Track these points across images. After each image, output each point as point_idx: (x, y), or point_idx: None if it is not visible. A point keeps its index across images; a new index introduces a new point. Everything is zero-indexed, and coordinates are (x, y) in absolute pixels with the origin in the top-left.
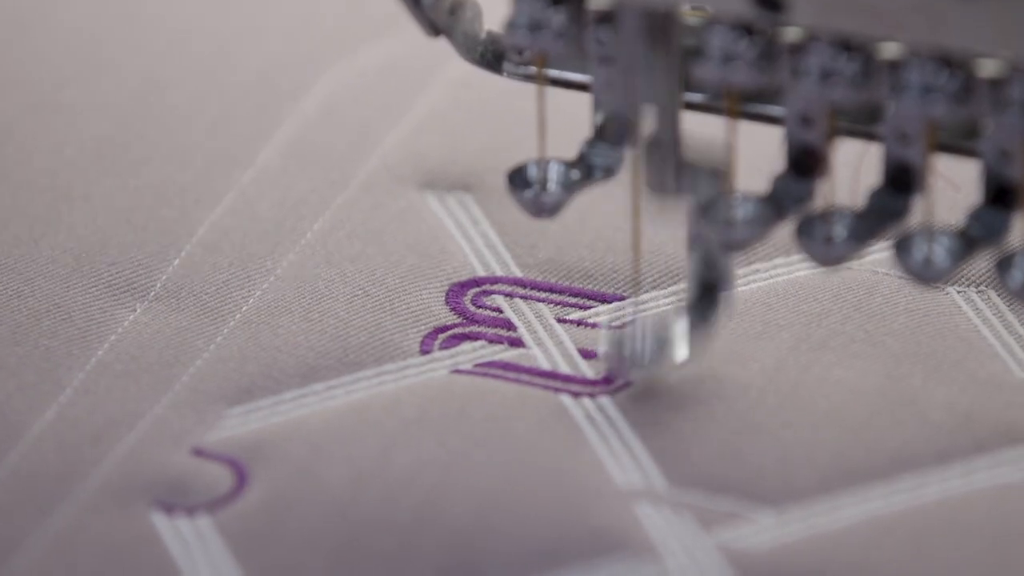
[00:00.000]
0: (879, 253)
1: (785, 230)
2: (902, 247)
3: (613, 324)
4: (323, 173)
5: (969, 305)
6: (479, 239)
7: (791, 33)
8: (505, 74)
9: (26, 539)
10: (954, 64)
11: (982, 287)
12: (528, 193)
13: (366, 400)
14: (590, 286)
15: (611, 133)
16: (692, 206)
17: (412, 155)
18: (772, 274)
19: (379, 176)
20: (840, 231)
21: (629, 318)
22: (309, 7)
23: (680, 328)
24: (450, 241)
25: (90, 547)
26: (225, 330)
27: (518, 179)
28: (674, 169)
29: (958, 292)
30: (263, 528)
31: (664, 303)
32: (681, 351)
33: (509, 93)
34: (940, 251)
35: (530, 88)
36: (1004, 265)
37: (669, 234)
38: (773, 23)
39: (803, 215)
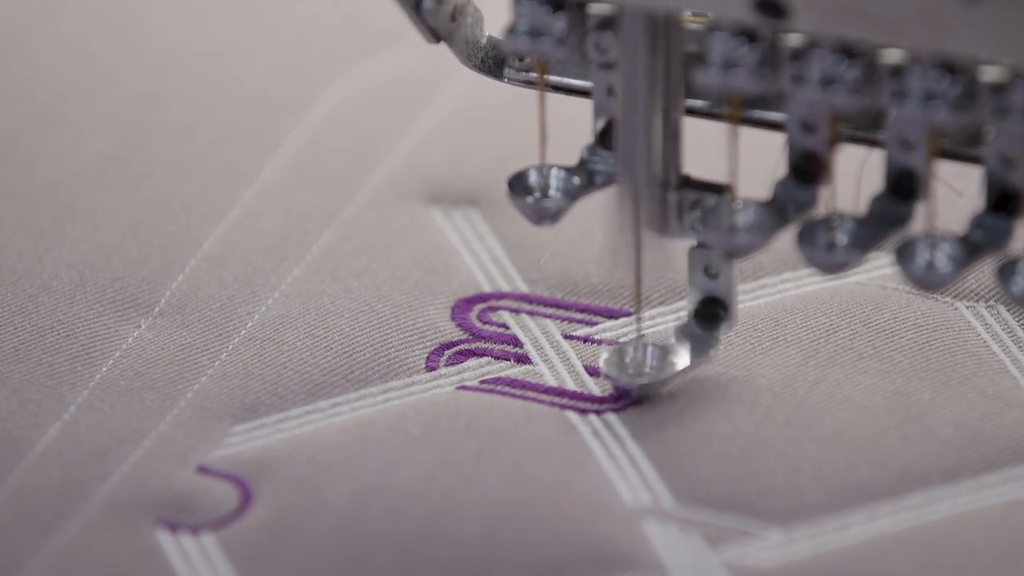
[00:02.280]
0: (888, 268)
1: (792, 244)
2: (904, 254)
3: (614, 339)
4: (328, 187)
5: (979, 320)
6: (485, 254)
7: (793, 39)
8: (506, 80)
9: (30, 557)
10: (956, 70)
11: (991, 302)
12: (529, 199)
13: (371, 417)
14: (596, 302)
15: (612, 139)
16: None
17: (418, 169)
18: (780, 289)
19: (384, 191)
20: (842, 238)
21: (631, 332)
22: (312, 20)
23: (682, 335)
24: (456, 256)
25: (94, 565)
26: (230, 346)
27: (519, 185)
28: (675, 210)
29: (967, 307)
30: (268, 545)
31: (670, 319)
32: (682, 359)
33: (514, 106)
34: (942, 258)
35: (535, 102)
36: (1006, 272)
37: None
38: (775, 29)
39: (805, 222)
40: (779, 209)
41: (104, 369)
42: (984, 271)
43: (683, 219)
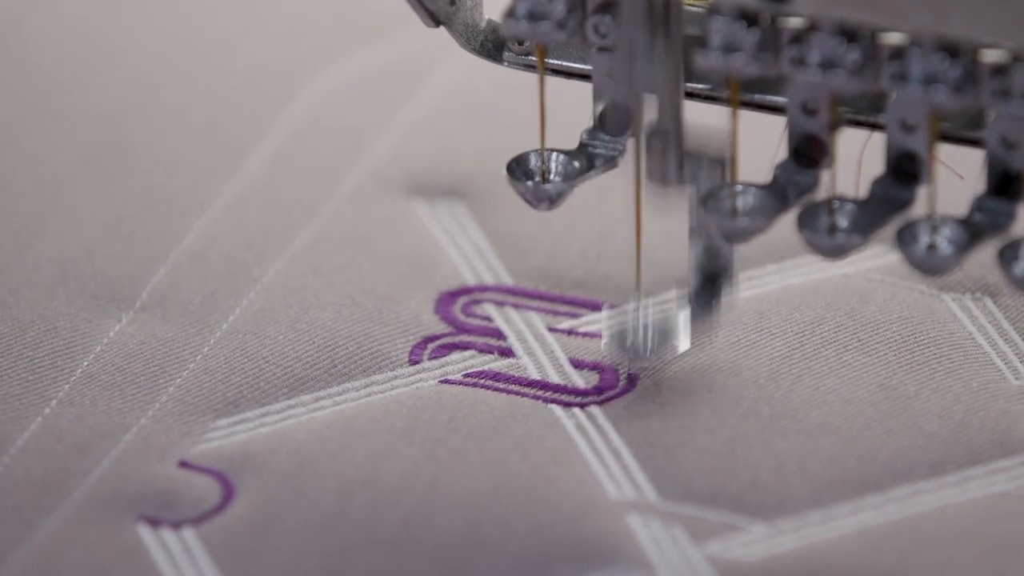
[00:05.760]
0: (873, 260)
1: (781, 235)
2: (905, 237)
3: (614, 317)
4: (311, 181)
5: (964, 313)
6: (469, 247)
7: (793, 22)
8: (505, 64)
9: (11, 552)
10: (957, 52)
11: (977, 294)
12: (528, 183)
13: (354, 411)
14: (581, 294)
15: (611, 123)
16: (694, 196)
17: (401, 162)
18: (765, 281)
19: (367, 184)
20: (843, 221)
21: (631, 310)
22: (297, 13)
23: (682, 318)
24: (439, 249)
25: (75, 560)
26: (212, 340)
27: (518, 169)
28: (676, 159)
29: (953, 299)
30: (250, 541)
31: (662, 308)
32: (683, 342)
33: (499, 99)
34: (944, 241)
35: (520, 93)
36: (1008, 254)
37: (664, 239)
38: (775, 12)
39: (805, 205)
40: (780, 193)
41: (85, 364)
42: (969, 262)
43: (682, 169)
